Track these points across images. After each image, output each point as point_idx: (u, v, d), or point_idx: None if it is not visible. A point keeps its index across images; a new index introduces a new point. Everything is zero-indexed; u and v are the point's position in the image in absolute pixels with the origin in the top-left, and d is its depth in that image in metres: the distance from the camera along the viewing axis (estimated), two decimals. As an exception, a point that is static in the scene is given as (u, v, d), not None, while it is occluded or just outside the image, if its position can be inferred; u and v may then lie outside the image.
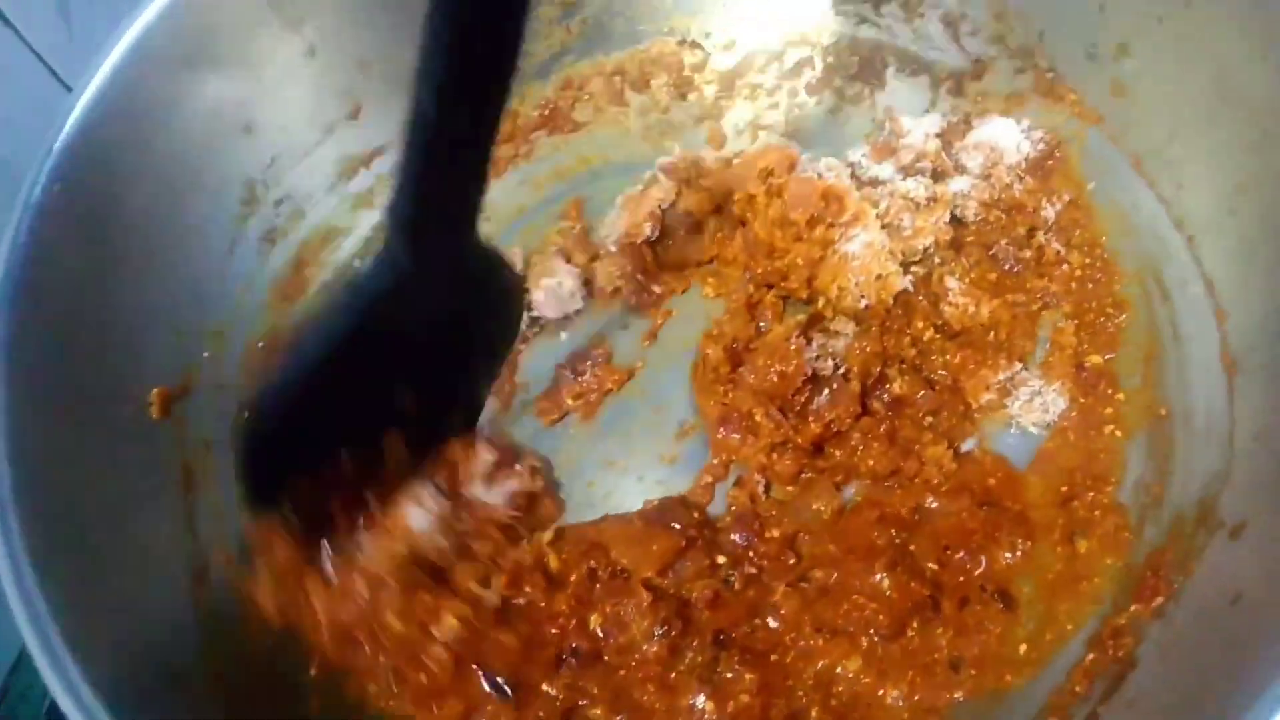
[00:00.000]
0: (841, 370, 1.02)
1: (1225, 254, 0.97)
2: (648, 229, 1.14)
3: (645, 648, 0.93)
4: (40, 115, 1.00)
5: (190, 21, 1.05)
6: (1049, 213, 1.10)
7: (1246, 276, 0.94)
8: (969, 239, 1.11)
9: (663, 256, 1.17)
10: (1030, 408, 1.03)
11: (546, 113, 1.30)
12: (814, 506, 1.00)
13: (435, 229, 0.79)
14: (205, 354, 1.09)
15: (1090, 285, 1.06)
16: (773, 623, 0.95)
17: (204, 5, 1.06)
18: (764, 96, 1.27)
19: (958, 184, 1.13)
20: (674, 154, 1.19)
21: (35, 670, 1.06)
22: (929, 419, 1.03)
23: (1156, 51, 1.02)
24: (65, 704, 0.75)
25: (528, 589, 0.97)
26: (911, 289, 1.07)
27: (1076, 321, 1.06)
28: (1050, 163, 1.12)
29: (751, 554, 0.98)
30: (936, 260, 1.10)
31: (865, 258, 1.05)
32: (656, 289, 1.16)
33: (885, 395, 1.03)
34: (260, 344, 1.14)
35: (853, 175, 1.14)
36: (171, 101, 1.06)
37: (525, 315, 1.13)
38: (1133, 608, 0.88)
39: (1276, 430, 0.85)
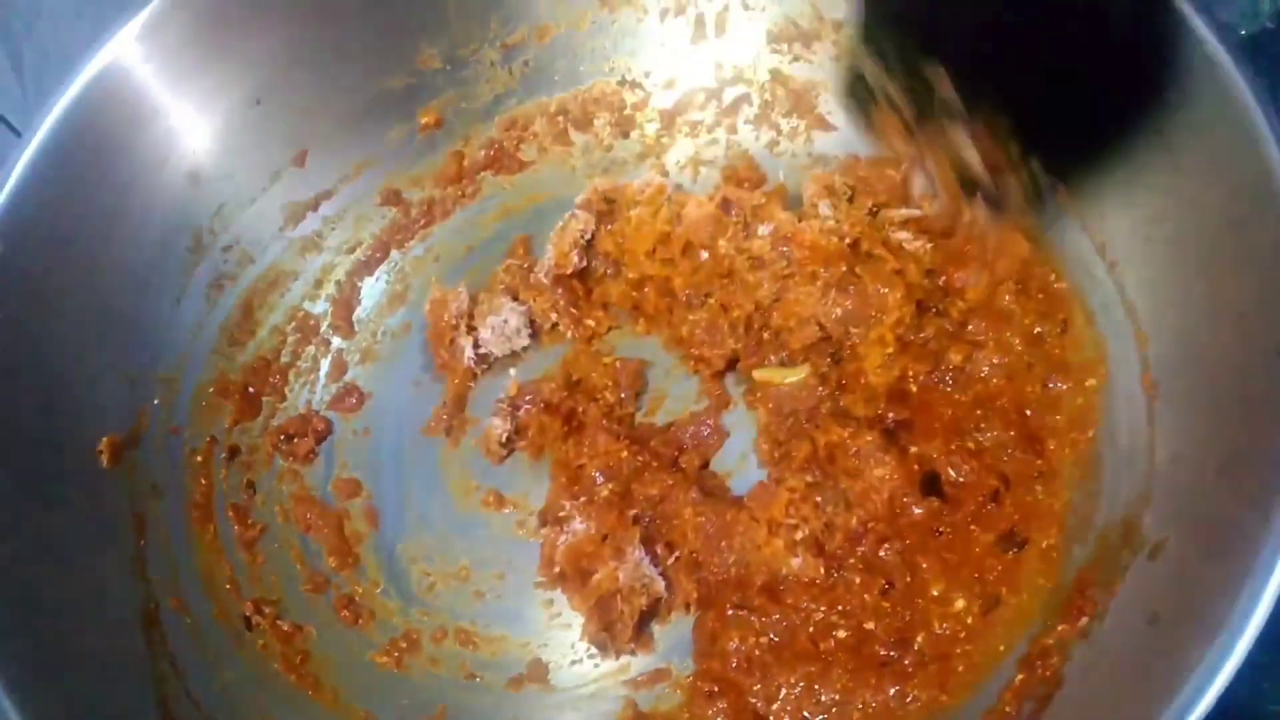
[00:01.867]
0: None
1: (1144, 280, 1.00)
2: (575, 258, 1.18)
3: None
4: None
5: (135, 72, 1.08)
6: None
7: (1163, 301, 0.97)
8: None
9: (597, 291, 1.21)
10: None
11: (492, 153, 1.32)
12: None
13: None
14: (155, 400, 1.10)
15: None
16: None
17: (150, 56, 1.08)
18: (704, 133, 1.30)
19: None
20: (588, 190, 1.23)
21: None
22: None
23: (1075, 86, 1.05)
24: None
25: None
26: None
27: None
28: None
29: None
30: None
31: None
32: (590, 322, 1.19)
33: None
34: (211, 389, 1.16)
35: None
36: (116, 150, 1.08)
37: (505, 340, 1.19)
38: (1060, 627, 0.90)
39: (1191, 454, 0.88)
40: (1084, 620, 0.89)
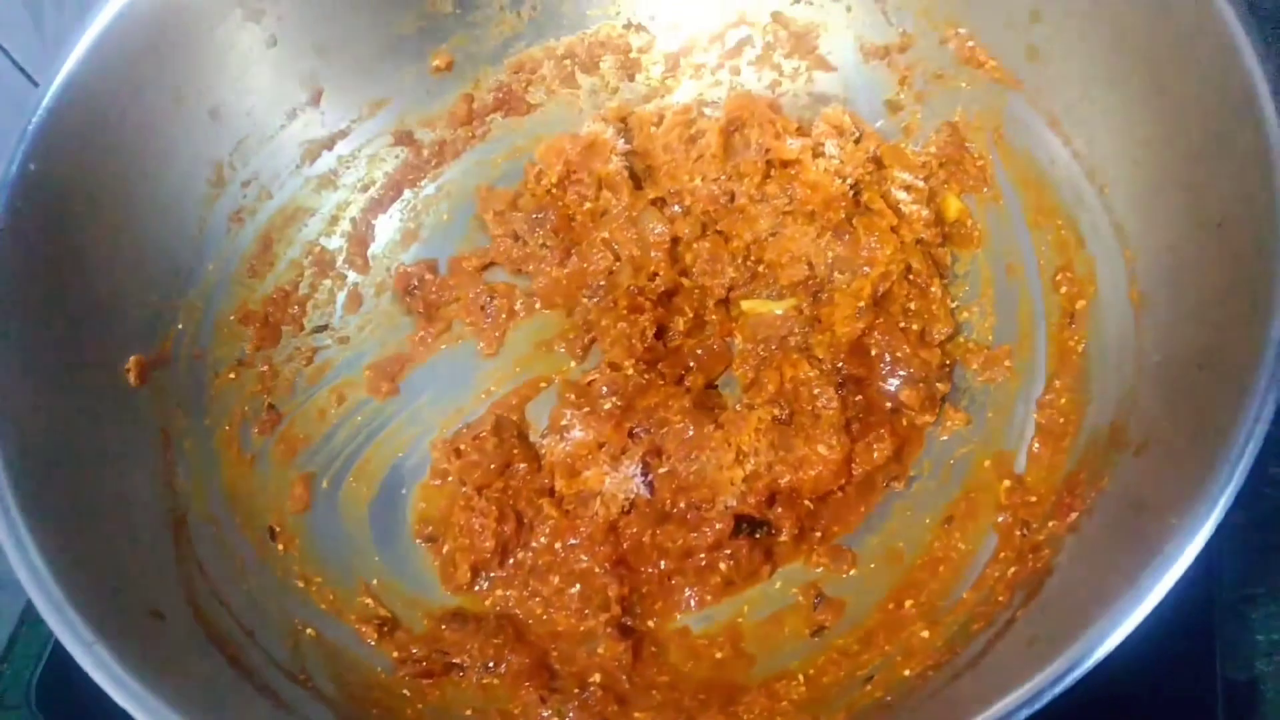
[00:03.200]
0: None
1: (1131, 200, 1.03)
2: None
3: None
4: (15, 116, 1.04)
5: (155, 12, 1.11)
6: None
7: (1150, 219, 1.00)
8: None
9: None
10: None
11: (500, 96, 1.36)
12: None
13: None
14: (180, 325, 1.14)
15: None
16: None
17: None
18: (708, 75, 1.34)
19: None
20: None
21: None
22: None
23: (1064, 16, 1.08)
24: (57, 628, 0.80)
25: None
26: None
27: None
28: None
29: None
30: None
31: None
32: None
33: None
34: (232, 316, 1.20)
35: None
36: (137, 87, 1.11)
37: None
38: (1051, 524, 0.94)
39: (1174, 356, 0.92)
40: (1074, 516, 0.93)
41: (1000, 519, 1.02)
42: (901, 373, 1.11)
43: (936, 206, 1.21)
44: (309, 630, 1.04)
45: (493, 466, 1.13)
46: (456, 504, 1.13)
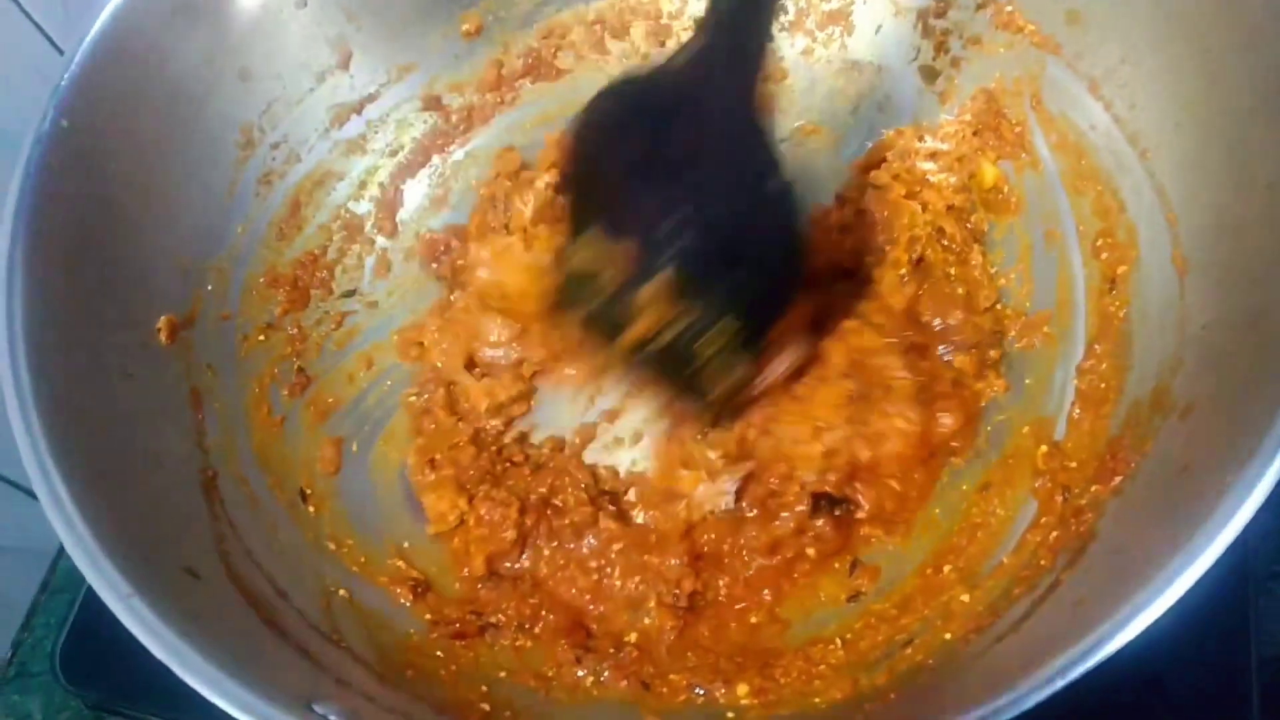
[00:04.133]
0: None
1: (1174, 164, 1.02)
2: None
3: None
4: (40, 82, 1.03)
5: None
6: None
7: (1194, 183, 0.99)
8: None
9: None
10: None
11: (530, 61, 1.34)
12: None
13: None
14: (209, 287, 1.13)
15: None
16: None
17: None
18: (739, 41, 1.33)
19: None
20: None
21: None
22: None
23: (1105, -23, 1.08)
24: (94, 580, 0.79)
25: None
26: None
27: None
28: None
29: None
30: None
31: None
32: None
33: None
34: (261, 279, 1.19)
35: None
36: (168, 47, 1.10)
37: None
38: (1093, 489, 0.93)
39: (1221, 319, 0.91)
40: (1117, 480, 0.92)
41: (1038, 484, 1.01)
42: (955, 339, 1.10)
43: (971, 172, 1.20)
44: (341, 591, 1.03)
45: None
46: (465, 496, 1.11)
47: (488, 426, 1.17)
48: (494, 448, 1.16)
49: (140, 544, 0.87)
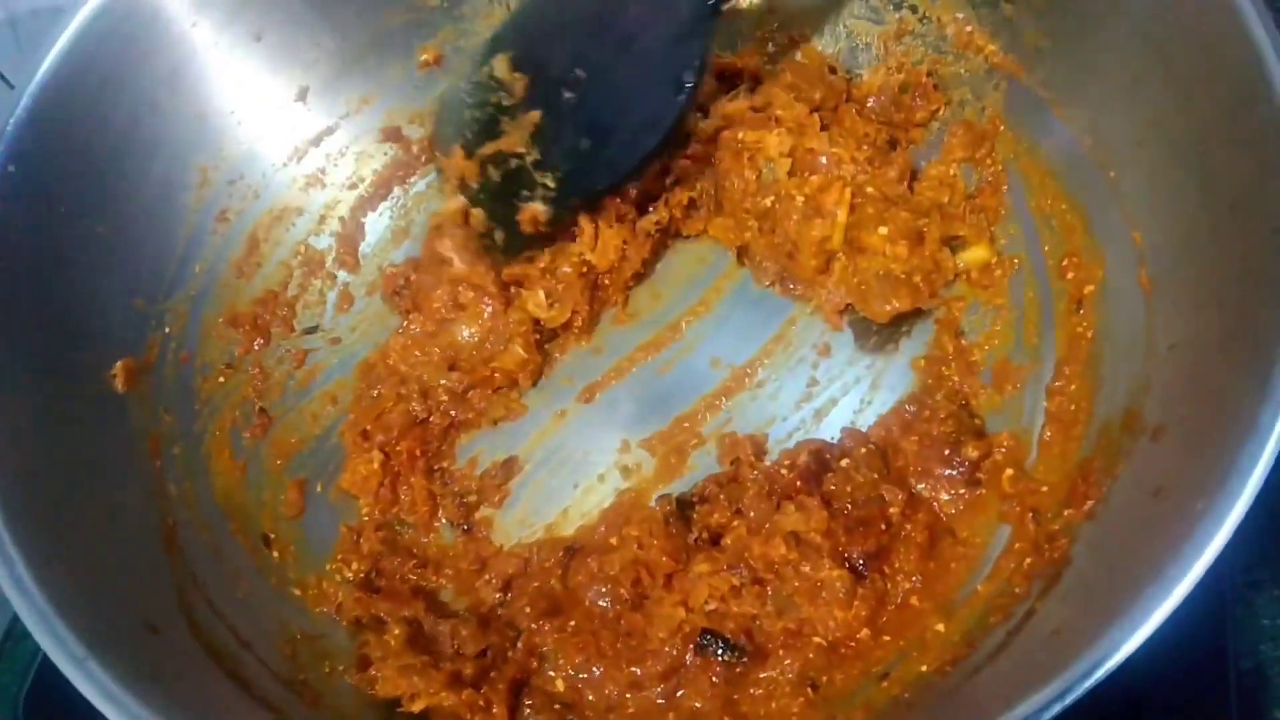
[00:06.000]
0: None
1: (1139, 183, 1.01)
2: None
3: None
4: None
5: (133, 8, 1.09)
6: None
7: (1159, 201, 0.98)
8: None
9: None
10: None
11: (490, 89, 1.33)
12: None
13: None
14: (166, 329, 1.11)
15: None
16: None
17: (150, -8, 1.09)
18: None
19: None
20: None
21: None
22: None
23: (1068, -1, 1.07)
24: (46, 644, 0.77)
25: None
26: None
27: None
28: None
29: None
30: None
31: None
32: None
33: None
34: (220, 319, 1.17)
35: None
36: (118, 86, 1.09)
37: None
38: (1066, 512, 0.92)
39: (1190, 339, 0.90)
40: (1089, 504, 0.91)
41: (1005, 508, 1.00)
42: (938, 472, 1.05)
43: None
44: (306, 637, 1.02)
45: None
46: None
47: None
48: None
49: (97, 601, 0.85)
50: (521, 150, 1.13)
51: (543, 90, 1.12)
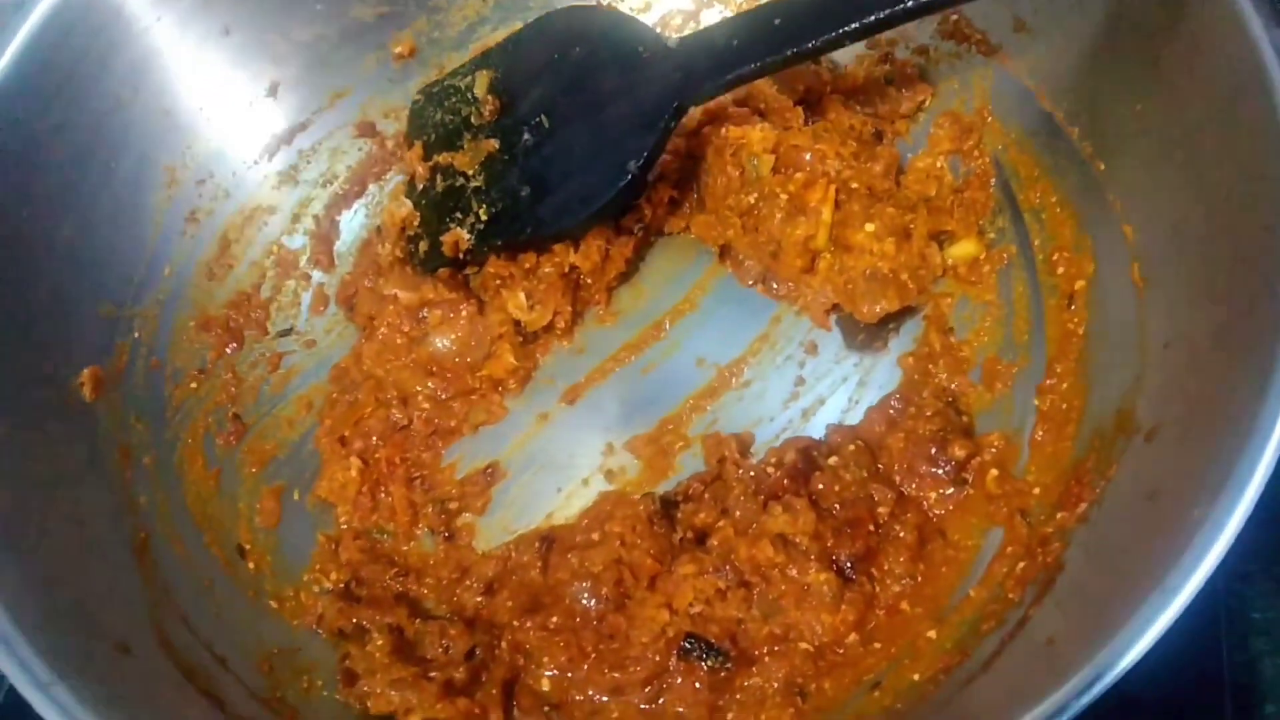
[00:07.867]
0: None
1: (1129, 175, 1.00)
2: None
3: None
4: None
5: (95, 2, 1.06)
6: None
7: (1150, 194, 0.97)
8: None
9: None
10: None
11: (467, 81, 1.31)
12: None
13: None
14: (135, 334, 1.09)
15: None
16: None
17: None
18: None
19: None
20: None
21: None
22: None
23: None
24: (9, 669, 0.74)
25: None
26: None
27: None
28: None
29: None
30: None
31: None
32: None
33: None
34: (191, 323, 1.15)
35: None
36: (80, 84, 1.06)
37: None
38: (1059, 515, 0.91)
39: (1183, 337, 0.88)
40: (1082, 506, 0.89)
41: (992, 509, 0.98)
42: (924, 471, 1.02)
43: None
44: (284, 652, 0.99)
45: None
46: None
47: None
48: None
49: (65, 620, 0.83)
50: (469, 172, 1.15)
51: (507, 123, 1.16)
